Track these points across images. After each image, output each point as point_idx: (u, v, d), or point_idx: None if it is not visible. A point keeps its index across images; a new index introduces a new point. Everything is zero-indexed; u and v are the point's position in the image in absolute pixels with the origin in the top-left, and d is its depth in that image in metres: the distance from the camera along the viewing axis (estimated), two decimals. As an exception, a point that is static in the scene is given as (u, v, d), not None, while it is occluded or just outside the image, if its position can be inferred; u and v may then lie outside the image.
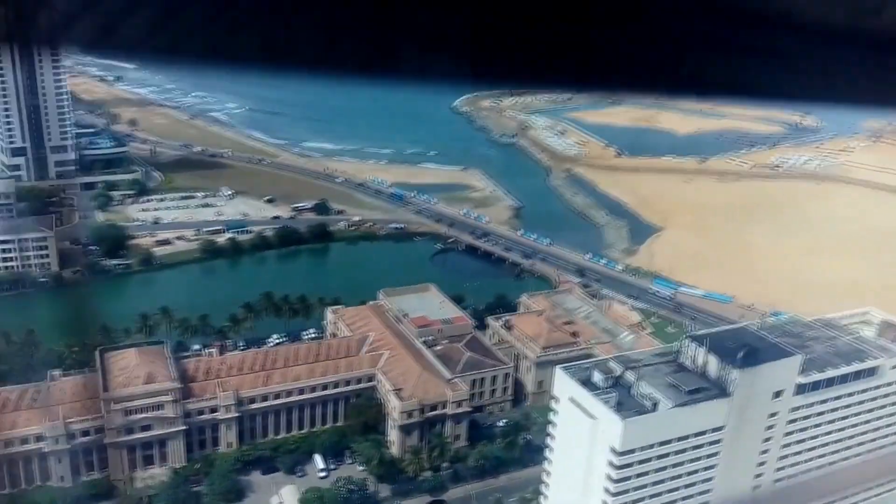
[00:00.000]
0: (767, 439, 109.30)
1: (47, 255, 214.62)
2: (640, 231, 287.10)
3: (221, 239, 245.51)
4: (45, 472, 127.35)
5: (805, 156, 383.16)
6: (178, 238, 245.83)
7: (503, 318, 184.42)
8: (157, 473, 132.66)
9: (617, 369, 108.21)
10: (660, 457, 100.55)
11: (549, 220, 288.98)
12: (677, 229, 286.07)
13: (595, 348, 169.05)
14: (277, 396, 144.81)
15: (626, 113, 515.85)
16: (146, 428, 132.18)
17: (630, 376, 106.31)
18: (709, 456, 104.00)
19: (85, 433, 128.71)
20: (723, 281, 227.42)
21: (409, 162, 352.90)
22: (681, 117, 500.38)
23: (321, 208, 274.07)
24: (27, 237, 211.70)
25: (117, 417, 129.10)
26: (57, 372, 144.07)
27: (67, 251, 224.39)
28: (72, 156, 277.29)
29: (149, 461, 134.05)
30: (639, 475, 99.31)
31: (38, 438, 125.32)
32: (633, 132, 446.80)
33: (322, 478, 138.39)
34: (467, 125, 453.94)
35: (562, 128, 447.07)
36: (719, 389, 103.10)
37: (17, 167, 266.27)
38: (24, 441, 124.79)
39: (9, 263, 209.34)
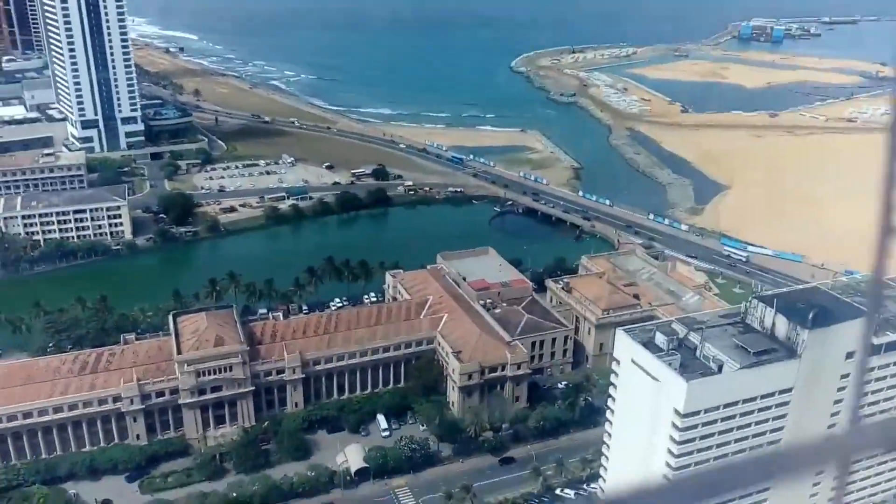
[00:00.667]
0: (838, 401, 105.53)
1: (121, 224, 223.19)
2: (706, 190, 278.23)
3: (283, 205, 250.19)
4: (122, 431, 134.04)
5: (883, 107, 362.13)
6: (242, 205, 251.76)
7: (563, 281, 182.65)
8: (228, 432, 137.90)
9: (681, 331, 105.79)
10: (725, 419, 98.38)
11: (610, 180, 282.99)
12: (745, 187, 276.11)
13: (658, 310, 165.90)
14: (340, 358, 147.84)
15: (692, 67, 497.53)
16: (217, 389, 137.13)
17: (694, 338, 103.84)
18: (776, 419, 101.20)
19: (159, 394, 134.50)
20: (793, 240, 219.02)
21: (467, 125, 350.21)
22: (750, 70, 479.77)
23: (379, 173, 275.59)
24: (101, 206, 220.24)
25: (190, 379, 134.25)
26: (131, 335, 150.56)
27: (139, 219, 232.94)
28: (140, 126, 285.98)
29: (220, 421, 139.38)
30: (703, 437, 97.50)
31: (115, 399, 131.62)
32: (699, 87, 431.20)
33: (385, 437, 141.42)
34: (526, 85, 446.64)
35: (624, 85, 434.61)
36: (788, 351, 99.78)
37: (88, 139, 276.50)
38: (102, 401, 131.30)
39: (84, 232, 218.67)
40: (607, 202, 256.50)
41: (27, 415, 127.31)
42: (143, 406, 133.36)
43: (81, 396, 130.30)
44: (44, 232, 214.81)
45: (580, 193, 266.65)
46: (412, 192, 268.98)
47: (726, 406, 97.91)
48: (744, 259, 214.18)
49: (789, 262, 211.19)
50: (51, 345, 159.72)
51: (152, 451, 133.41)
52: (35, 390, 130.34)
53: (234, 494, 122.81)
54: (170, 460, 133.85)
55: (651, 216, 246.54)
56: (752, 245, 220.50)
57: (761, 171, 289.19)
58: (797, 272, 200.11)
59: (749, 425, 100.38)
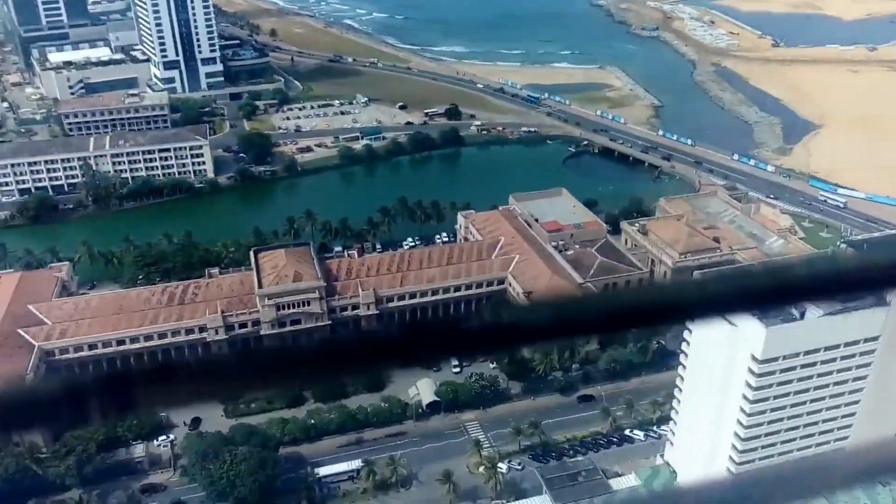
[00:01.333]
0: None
1: (203, 163, 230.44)
2: (796, 129, 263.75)
3: (358, 145, 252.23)
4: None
5: None
6: (318, 145, 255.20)
7: (638, 223, 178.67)
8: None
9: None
10: (805, 366, 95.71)
11: (693, 118, 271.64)
12: (838, 126, 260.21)
13: (738, 254, 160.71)
14: (412, 296, 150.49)
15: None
16: (296, 322, 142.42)
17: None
18: (859, 367, 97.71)
19: (242, 325, 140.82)
20: (888, 183, 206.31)
21: (542, 62, 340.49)
22: (848, 1, 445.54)
23: (452, 113, 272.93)
24: (184, 146, 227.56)
25: (270, 312, 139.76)
26: (215, 269, 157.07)
27: (220, 158, 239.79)
28: (219, 67, 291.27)
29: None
30: (780, 384, 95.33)
31: (201, 329, 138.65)
32: (792, 19, 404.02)
33: (455, 373, 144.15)
34: (605, 19, 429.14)
35: (710, 17, 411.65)
36: (876, 298, 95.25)
37: (170, 80, 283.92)
38: (189, 331, 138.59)
39: (168, 170, 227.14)
40: (689, 142, 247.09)
41: (120, 342, 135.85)
42: (227, 336, 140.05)
43: (170, 326, 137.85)
44: (131, 170, 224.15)
45: (660, 133, 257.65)
46: (485, 132, 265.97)
47: (807, 353, 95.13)
48: (841, 205, 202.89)
49: (883, 205, 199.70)
50: (140, 277, 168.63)
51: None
52: (127, 320, 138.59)
53: (313, 421, 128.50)
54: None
55: (735, 157, 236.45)
56: (842, 187, 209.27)
57: (857, 110, 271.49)
58: (891, 217, 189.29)
59: (830, 373, 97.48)
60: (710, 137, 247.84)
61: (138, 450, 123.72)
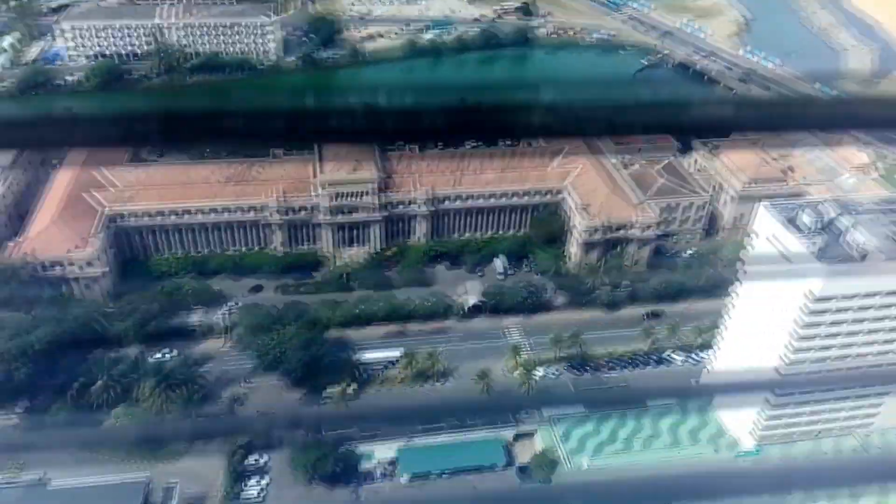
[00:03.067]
0: None
1: (269, 41, 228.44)
2: (891, 60, 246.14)
3: (425, 37, 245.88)
4: (266, 239, 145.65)
5: None
6: (385, 34, 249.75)
7: (710, 144, 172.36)
8: (357, 254, 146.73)
9: (830, 212, 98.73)
10: (859, 309, 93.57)
11: (782, 38, 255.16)
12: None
13: (808, 187, 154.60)
14: (468, 198, 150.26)
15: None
16: (351, 212, 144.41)
17: (843, 221, 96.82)
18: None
19: (298, 210, 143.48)
20: None
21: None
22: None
23: (526, 10, 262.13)
24: (253, 22, 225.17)
25: (327, 199, 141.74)
26: (278, 152, 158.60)
27: (287, 39, 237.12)
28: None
29: (351, 241, 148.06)
30: (831, 324, 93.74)
31: (260, 209, 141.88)
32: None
33: (500, 279, 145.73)
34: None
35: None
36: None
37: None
38: (248, 210, 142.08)
39: (234, 47, 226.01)
40: (772, 63, 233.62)
41: (184, 213, 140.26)
42: (284, 220, 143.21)
43: (230, 203, 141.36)
44: (199, 43, 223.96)
45: (743, 51, 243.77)
46: (557, 34, 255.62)
47: (864, 296, 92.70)
48: None
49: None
50: (207, 151, 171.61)
51: (289, 261, 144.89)
52: (190, 192, 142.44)
53: (360, 309, 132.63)
54: (304, 271, 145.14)
55: (817, 85, 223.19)
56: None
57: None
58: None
59: (883, 319, 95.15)
60: (797, 61, 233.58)
61: (194, 317, 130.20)
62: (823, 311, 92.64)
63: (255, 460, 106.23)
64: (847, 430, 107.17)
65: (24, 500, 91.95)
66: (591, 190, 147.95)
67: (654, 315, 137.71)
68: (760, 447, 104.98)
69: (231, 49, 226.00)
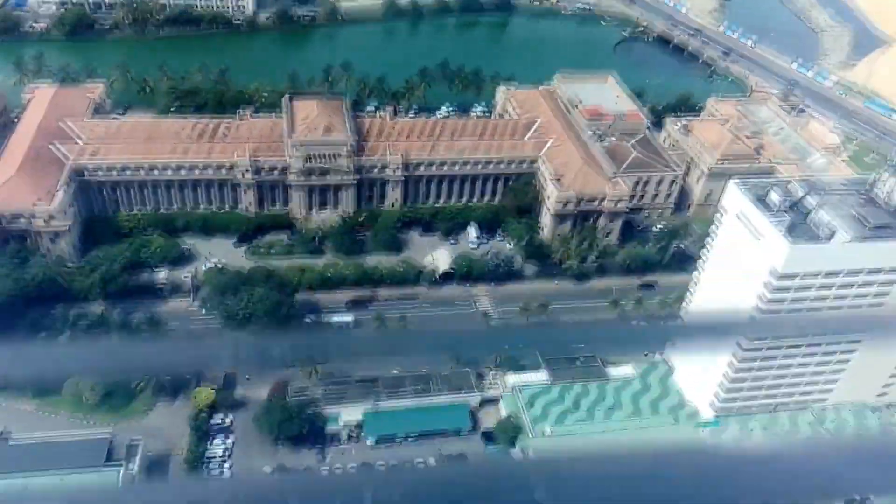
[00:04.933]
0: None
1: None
2: (867, 42, 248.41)
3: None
4: (234, 199, 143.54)
5: None
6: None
7: (683, 121, 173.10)
8: (329, 217, 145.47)
9: (798, 192, 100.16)
10: (821, 287, 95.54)
11: (760, 16, 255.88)
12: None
13: (778, 167, 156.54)
14: (441, 165, 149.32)
15: None
16: (323, 174, 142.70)
17: (811, 201, 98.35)
18: (876, 296, 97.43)
19: (270, 170, 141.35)
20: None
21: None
22: None
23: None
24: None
25: (299, 161, 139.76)
26: (247, 110, 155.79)
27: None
28: None
29: (323, 204, 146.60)
30: (794, 300, 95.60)
31: (230, 168, 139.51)
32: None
33: (473, 248, 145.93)
34: None
35: None
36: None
37: None
38: (218, 168, 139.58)
39: (208, 2, 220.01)
40: (750, 41, 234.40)
41: (151, 169, 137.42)
42: (255, 179, 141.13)
43: (199, 160, 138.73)
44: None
45: (722, 27, 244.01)
46: (538, 2, 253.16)
47: (827, 275, 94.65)
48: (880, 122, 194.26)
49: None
50: (173, 108, 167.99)
51: (259, 222, 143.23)
52: (158, 147, 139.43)
53: (330, 273, 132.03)
54: (274, 233, 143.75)
55: (795, 64, 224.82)
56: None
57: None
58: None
59: (845, 297, 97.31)
60: (774, 40, 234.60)
61: (160, 276, 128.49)
62: (787, 289, 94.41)
63: (221, 420, 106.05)
64: (803, 404, 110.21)
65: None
66: (565, 162, 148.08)
67: (648, 286, 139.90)
68: (719, 419, 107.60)
69: (205, 3, 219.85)
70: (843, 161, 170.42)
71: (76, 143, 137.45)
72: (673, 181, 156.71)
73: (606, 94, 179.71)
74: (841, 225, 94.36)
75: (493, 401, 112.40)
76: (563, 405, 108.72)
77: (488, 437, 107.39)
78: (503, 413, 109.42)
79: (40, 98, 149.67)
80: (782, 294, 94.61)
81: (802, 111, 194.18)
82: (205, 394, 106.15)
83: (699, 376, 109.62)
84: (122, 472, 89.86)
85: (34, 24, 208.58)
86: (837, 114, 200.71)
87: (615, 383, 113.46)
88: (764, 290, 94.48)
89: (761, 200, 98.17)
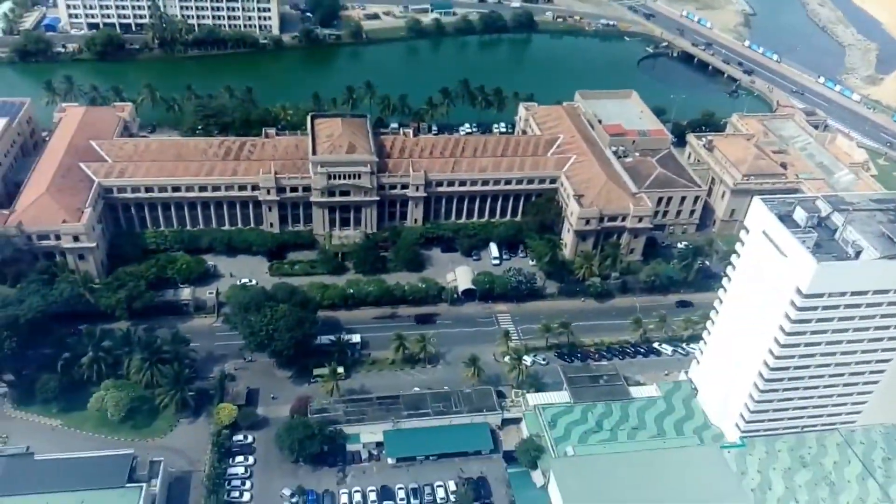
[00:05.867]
0: None
1: (269, 17, 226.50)
2: (893, 58, 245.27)
3: (427, 18, 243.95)
4: (257, 218, 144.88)
5: None
6: (386, 14, 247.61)
7: (706, 137, 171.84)
8: (352, 235, 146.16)
9: (824, 209, 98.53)
10: (849, 307, 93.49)
11: (784, 32, 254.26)
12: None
13: (804, 183, 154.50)
14: (463, 184, 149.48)
15: None
16: (345, 193, 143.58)
17: (837, 219, 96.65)
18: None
19: (293, 189, 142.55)
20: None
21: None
22: None
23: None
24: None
25: (321, 179, 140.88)
26: (272, 130, 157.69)
27: (286, 15, 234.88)
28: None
29: (345, 223, 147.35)
30: (819, 320, 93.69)
31: (254, 187, 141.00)
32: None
33: (495, 265, 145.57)
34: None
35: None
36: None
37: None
38: (242, 188, 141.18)
39: (234, 22, 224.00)
40: (774, 57, 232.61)
41: (176, 188, 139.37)
42: (278, 198, 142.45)
43: (224, 180, 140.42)
44: (198, 17, 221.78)
45: (746, 43, 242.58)
46: (560, 20, 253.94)
47: (854, 294, 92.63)
48: None
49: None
50: (199, 128, 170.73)
51: (283, 240, 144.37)
52: (184, 167, 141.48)
53: (352, 291, 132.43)
54: (297, 251, 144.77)
55: (821, 79, 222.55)
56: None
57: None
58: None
59: (874, 317, 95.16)
60: (799, 55, 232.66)
61: (185, 293, 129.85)
62: (813, 308, 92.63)
63: (242, 438, 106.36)
64: (831, 425, 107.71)
65: (10, 470, 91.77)
66: (587, 179, 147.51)
67: (685, 304, 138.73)
68: (745, 440, 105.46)
69: (232, 24, 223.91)
70: (871, 177, 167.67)
71: (104, 162, 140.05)
72: (697, 198, 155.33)
73: (629, 111, 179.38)
74: (869, 242, 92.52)
75: (515, 420, 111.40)
76: (585, 425, 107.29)
77: (510, 457, 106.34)
78: (525, 433, 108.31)
79: (70, 118, 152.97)
80: (808, 314, 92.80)
81: (827, 127, 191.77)
82: (227, 411, 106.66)
83: (724, 397, 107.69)
84: (144, 490, 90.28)
85: (66, 46, 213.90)
86: (865, 130, 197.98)
87: (639, 403, 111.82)
88: (790, 309, 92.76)
89: (787, 217, 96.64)
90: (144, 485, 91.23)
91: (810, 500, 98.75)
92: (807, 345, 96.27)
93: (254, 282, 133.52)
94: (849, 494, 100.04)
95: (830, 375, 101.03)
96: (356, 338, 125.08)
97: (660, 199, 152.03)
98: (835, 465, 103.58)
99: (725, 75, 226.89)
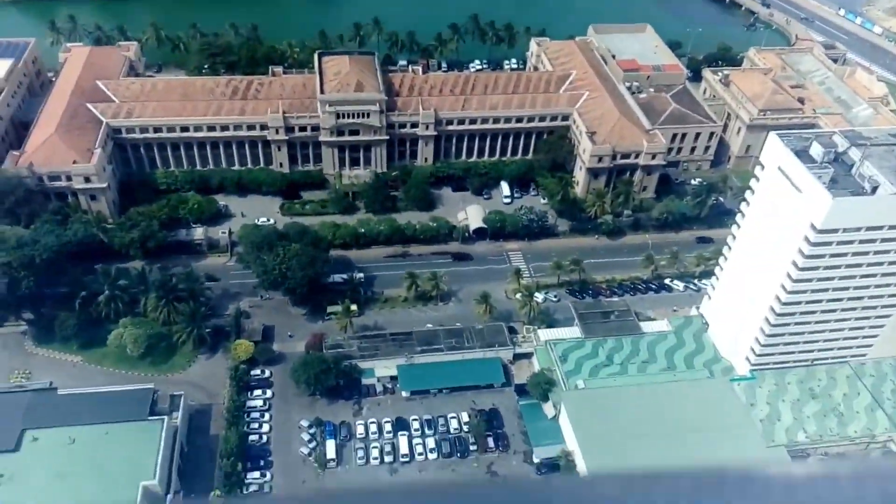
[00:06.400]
0: None
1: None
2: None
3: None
4: (267, 158, 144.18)
5: None
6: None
7: (722, 72, 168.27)
8: (362, 174, 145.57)
9: (841, 144, 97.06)
10: (863, 242, 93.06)
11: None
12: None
13: (821, 118, 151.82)
14: (473, 122, 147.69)
15: None
16: (354, 132, 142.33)
17: (855, 153, 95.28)
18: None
19: (302, 128, 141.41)
20: None
21: None
22: None
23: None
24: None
25: (330, 118, 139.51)
26: (279, 68, 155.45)
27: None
28: None
29: (355, 162, 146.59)
30: (833, 256, 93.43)
31: (262, 127, 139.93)
32: None
33: (506, 203, 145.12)
34: None
35: None
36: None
37: None
38: (251, 127, 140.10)
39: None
40: None
41: (184, 128, 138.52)
42: (287, 138, 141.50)
43: (232, 119, 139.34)
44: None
45: None
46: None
47: (869, 229, 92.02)
48: None
49: None
50: (205, 66, 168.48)
51: (293, 179, 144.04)
52: (192, 107, 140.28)
53: (363, 230, 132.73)
54: (307, 191, 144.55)
55: (841, 11, 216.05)
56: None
57: None
58: None
59: (888, 252, 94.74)
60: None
61: (197, 233, 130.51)
62: (827, 243, 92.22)
63: (260, 372, 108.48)
64: (842, 358, 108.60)
65: (35, 404, 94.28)
66: (600, 116, 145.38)
67: (706, 240, 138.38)
68: (755, 374, 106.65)
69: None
70: (890, 111, 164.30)
71: (111, 102, 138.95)
72: (712, 134, 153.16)
73: (643, 46, 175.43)
74: (885, 177, 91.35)
75: (527, 355, 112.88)
76: (596, 359, 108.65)
77: (521, 390, 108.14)
78: (536, 367, 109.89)
79: (76, 58, 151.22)
80: (822, 249, 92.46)
81: (847, 61, 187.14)
82: (244, 346, 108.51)
83: (734, 332, 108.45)
84: (166, 423, 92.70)
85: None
86: (886, 63, 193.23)
87: (649, 338, 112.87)
88: (803, 245, 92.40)
89: (803, 153, 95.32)
90: (166, 417, 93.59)
91: (818, 431, 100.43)
92: (819, 280, 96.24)
93: (272, 221, 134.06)
94: (857, 425, 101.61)
95: (842, 310, 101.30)
96: (359, 275, 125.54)
97: (674, 136, 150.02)
98: (844, 397, 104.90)
99: (743, 8, 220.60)
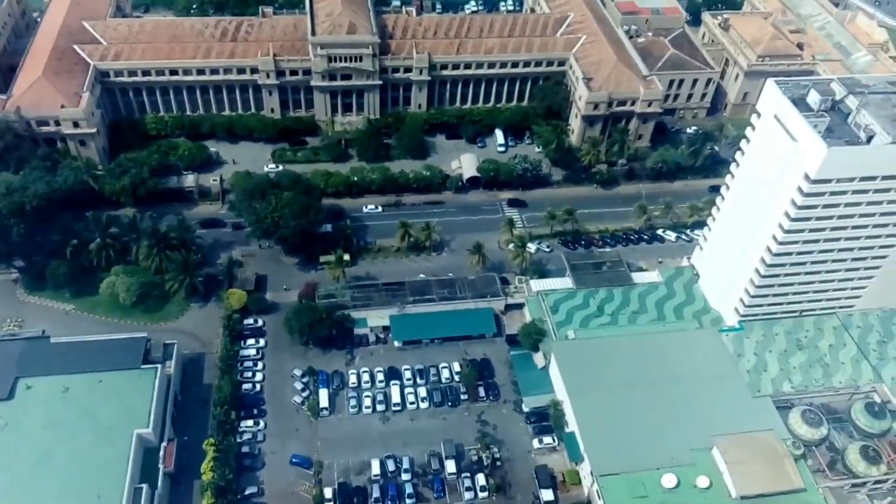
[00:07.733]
0: None
1: None
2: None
3: None
4: (258, 103, 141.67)
5: None
6: None
7: (722, 16, 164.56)
8: (354, 121, 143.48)
9: (839, 92, 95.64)
10: (856, 192, 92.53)
11: None
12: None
13: (820, 65, 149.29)
14: (468, 67, 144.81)
15: None
16: (347, 77, 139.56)
17: (852, 102, 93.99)
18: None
19: (293, 72, 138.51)
20: None
21: None
22: None
23: None
24: None
25: (322, 62, 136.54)
26: (269, 8, 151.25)
27: None
28: None
29: (347, 108, 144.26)
30: (826, 206, 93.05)
31: (253, 70, 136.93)
32: None
33: (500, 152, 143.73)
34: None
35: None
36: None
37: None
38: (241, 71, 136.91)
39: None
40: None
41: (174, 72, 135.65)
42: (278, 82, 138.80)
43: (222, 63, 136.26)
44: None
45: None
46: None
47: (863, 179, 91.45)
48: None
49: None
50: (194, 7, 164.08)
51: (284, 125, 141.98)
52: (181, 49, 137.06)
53: (355, 178, 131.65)
54: (299, 136, 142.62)
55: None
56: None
57: None
58: None
59: (881, 203, 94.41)
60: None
61: (189, 180, 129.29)
62: (820, 194, 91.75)
63: (253, 321, 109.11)
64: (830, 309, 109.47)
65: (28, 352, 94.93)
66: (597, 61, 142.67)
67: (718, 189, 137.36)
68: (743, 324, 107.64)
69: None
70: (890, 58, 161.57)
71: (98, 44, 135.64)
72: (709, 81, 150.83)
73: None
74: (882, 126, 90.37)
75: (518, 306, 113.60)
76: (587, 310, 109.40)
77: (512, 340, 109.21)
78: (527, 318, 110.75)
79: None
80: (815, 199, 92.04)
81: (848, 5, 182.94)
82: (237, 296, 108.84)
83: (725, 282, 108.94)
84: (159, 371, 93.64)
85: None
86: (887, 7, 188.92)
87: (640, 289, 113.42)
88: (796, 195, 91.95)
89: (800, 101, 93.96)
90: (159, 366, 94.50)
91: (804, 381, 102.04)
92: (811, 231, 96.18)
93: (279, 167, 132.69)
94: (842, 375, 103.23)
95: (833, 261, 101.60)
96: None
97: (671, 82, 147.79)
98: (830, 348, 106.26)
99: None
